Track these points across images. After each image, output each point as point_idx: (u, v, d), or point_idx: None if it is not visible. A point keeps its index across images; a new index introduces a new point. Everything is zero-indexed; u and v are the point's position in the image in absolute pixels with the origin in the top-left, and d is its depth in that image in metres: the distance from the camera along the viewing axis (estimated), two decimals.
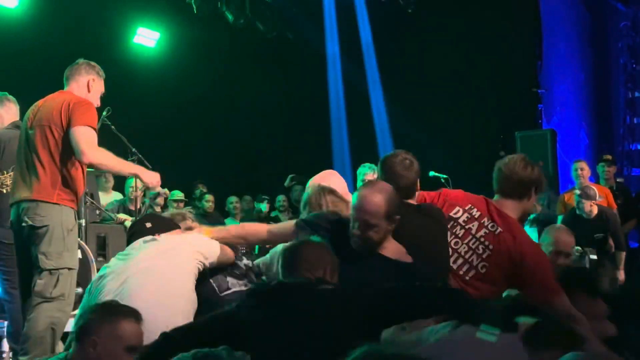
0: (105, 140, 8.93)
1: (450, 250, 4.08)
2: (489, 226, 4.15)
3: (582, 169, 9.92)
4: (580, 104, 13.77)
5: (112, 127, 8.01)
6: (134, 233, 4.43)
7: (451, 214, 4.25)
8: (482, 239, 4.12)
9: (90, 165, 5.06)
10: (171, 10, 12.78)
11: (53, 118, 4.96)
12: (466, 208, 4.26)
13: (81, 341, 3.20)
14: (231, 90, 13.62)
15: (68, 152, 4.92)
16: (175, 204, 10.94)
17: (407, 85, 13.78)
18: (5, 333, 5.89)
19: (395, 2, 13.41)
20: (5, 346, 5.96)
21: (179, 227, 4.54)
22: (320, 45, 14.08)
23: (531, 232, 10.11)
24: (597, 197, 9.00)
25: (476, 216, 4.21)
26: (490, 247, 4.09)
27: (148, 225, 4.40)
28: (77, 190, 5.05)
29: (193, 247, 4.23)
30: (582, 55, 13.93)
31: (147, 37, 12.86)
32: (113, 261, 4.23)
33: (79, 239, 7.89)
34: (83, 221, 8.05)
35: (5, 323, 5.95)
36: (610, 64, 14.09)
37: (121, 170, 5.31)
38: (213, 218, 11.26)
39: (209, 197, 11.33)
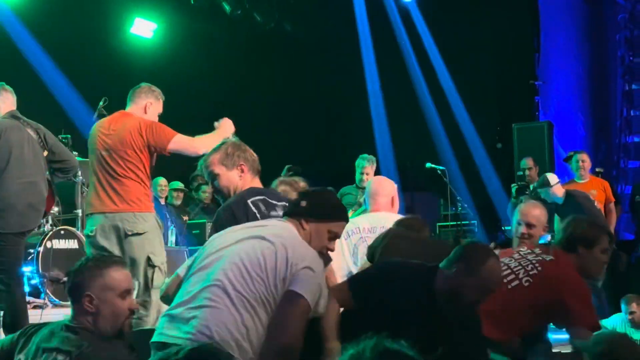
0: None
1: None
2: (542, 254, 4.42)
3: (583, 161, 9.91)
4: (577, 96, 13.78)
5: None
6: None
7: None
8: (534, 261, 4.38)
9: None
10: (168, 1, 12.76)
11: (127, 143, 5.62)
12: None
13: (77, 300, 3.34)
14: (228, 82, 13.60)
15: (142, 168, 5.66)
16: (175, 194, 10.98)
17: (405, 77, 13.78)
18: (1, 323, 5.89)
19: None
20: (2, 336, 5.96)
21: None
22: (319, 36, 14.03)
23: None
24: (555, 181, 9.00)
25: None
26: (539, 268, 4.31)
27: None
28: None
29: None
30: (580, 47, 13.92)
31: (144, 28, 12.83)
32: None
33: (74, 229, 7.95)
34: (80, 211, 8.07)
35: (1, 313, 5.95)
36: (608, 56, 14.09)
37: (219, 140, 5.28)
38: (210, 209, 11.29)
39: (206, 187, 11.34)
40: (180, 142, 5.73)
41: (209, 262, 3.47)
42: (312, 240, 3.55)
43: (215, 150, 4.43)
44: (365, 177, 9.21)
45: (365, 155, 9.40)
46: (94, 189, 5.70)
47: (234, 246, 3.49)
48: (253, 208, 4.06)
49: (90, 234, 5.65)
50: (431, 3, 13.51)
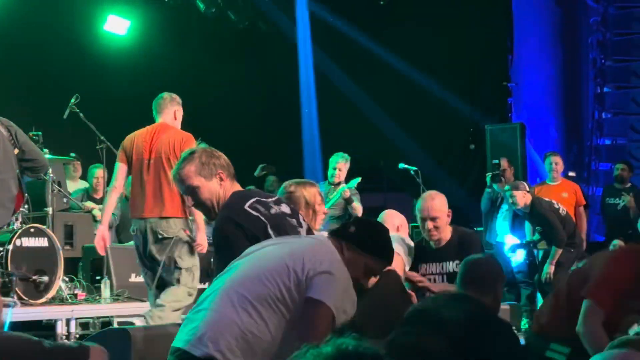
0: (74, 128, 8.92)
1: None
2: None
3: (556, 163, 10.01)
4: (550, 98, 13.85)
5: (81, 114, 7.94)
6: None
7: None
8: None
9: None
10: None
11: (170, 151, 6.16)
12: None
13: None
14: (202, 80, 13.55)
15: None
16: None
17: (379, 77, 13.79)
18: None
19: None
20: None
21: None
22: (292, 35, 14.03)
23: (504, 224, 10.22)
24: (527, 189, 9.12)
25: None
26: None
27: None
28: None
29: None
30: (553, 49, 14.00)
31: (117, 25, 12.72)
32: None
33: (44, 227, 7.87)
34: (50, 209, 7.98)
35: None
36: (580, 59, 14.19)
37: None
38: None
39: None
40: None
41: (228, 268, 3.40)
42: (347, 269, 3.34)
43: (186, 161, 4.02)
44: (337, 172, 9.24)
45: (340, 152, 9.42)
46: (139, 194, 6.18)
47: (254, 253, 3.42)
48: (254, 212, 3.86)
49: (132, 233, 6.31)
50: (407, 3, 13.52)
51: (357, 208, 9.25)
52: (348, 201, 9.18)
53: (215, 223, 3.92)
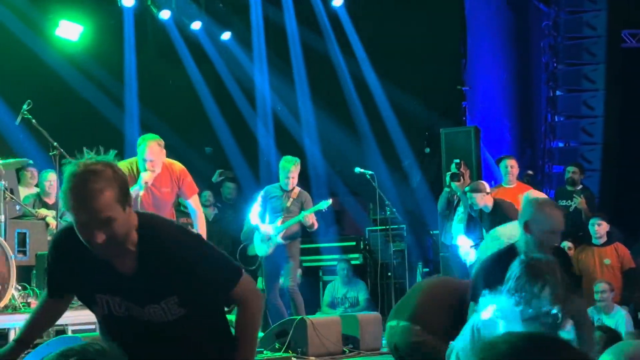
0: (26, 134, 8.81)
1: None
2: None
3: (512, 167, 10.12)
4: (503, 101, 14.01)
5: (33, 120, 7.84)
6: None
7: None
8: None
9: None
10: (96, 3, 12.56)
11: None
12: None
13: None
14: (155, 84, 13.49)
15: None
16: None
17: (331, 80, 13.81)
18: None
19: None
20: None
21: None
22: (247, 39, 13.97)
23: (459, 226, 10.30)
24: (487, 190, 9.24)
25: None
26: None
27: None
28: None
29: None
30: (506, 53, 14.16)
31: (69, 30, 12.54)
32: None
33: None
34: (2, 217, 7.87)
35: None
36: (532, 62, 14.36)
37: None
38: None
39: None
40: None
41: None
42: None
43: (101, 183, 2.85)
44: (291, 180, 9.19)
45: (289, 157, 9.35)
46: None
47: None
48: None
49: None
50: (359, 7, 13.57)
51: (315, 225, 9.29)
52: (311, 227, 9.19)
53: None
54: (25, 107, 7.48)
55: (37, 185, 10.15)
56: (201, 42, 13.75)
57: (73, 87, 12.10)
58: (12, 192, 8.50)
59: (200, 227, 7.41)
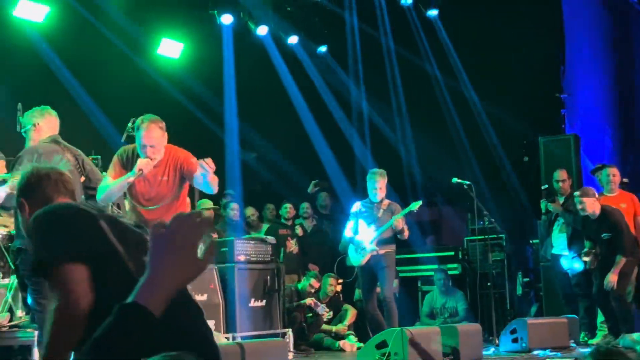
0: None
1: None
2: None
3: (614, 175, 10.03)
4: (604, 108, 13.73)
5: None
6: None
7: None
8: None
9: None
10: (195, 21, 12.88)
11: None
12: None
13: None
14: (253, 99, 13.71)
15: None
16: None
17: (426, 90, 13.79)
18: (36, 342, 5.99)
19: (415, 6, 13.40)
20: (36, 355, 6.06)
21: None
22: (343, 52, 14.08)
23: (561, 237, 10.19)
24: (596, 196, 9.21)
25: None
26: None
27: None
28: None
29: None
30: (606, 59, 13.88)
31: (171, 48, 12.95)
32: None
33: None
34: None
35: (36, 333, 6.05)
36: (634, 67, 14.04)
37: (118, 186, 6.22)
38: (238, 226, 11.38)
39: (233, 204, 11.43)
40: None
41: None
42: None
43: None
44: (379, 192, 9.26)
45: (375, 169, 9.43)
46: None
47: None
48: None
49: None
50: (456, 17, 13.52)
51: (406, 234, 9.32)
52: (400, 232, 9.22)
53: None
54: (129, 124, 7.71)
55: None
56: (298, 56, 13.93)
57: (174, 103, 12.45)
58: (118, 206, 8.79)
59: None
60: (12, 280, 6.91)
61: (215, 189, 6.07)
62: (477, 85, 13.52)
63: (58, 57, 11.29)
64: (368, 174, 9.42)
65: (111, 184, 6.16)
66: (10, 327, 6.71)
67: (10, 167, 6.33)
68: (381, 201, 9.33)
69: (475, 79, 13.56)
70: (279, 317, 9.51)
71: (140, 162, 6.06)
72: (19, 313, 6.81)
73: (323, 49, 14.04)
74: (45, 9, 11.09)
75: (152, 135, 6.12)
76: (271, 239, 9.95)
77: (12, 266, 6.42)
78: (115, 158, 6.31)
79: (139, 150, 6.19)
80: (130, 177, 6.10)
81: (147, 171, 6.10)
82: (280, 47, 13.66)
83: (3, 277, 7.08)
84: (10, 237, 6.94)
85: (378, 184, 9.24)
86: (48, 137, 6.34)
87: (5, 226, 7.36)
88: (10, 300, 6.93)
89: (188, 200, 7.08)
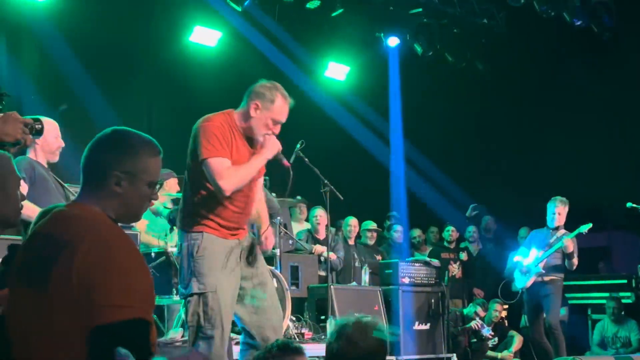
0: (299, 172, 9.25)
1: None
2: None
3: None
4: None
5: (306, 159, 8.20)
6: None
7: None
8: None
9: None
10: (361, 44, 12.98)
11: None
12: None
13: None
14: (422, 123, 13.68)
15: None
16: (369, 234, 11.07)
17: (602, 110, 13.29)
18: None
19: (590, 29, 12.94)
20: None
21: None
22: (506, 74, 13.78)
23: None
24: None
25: None
26: None
27: None
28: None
29: None
30: None
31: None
32: None
33: (273, 268, 8.17)
34: (277, 250, 8.32)
35: None
36: None
37: (256, 169, 4.77)
38: (402, 248, 11.37)
39: (398, 227, 11.42)
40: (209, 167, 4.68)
41: None
42: None
43: None
44: (557, 217, 9.10)
45: (557, 196, 9.30)
46: None
47: None
48: None
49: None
50: (631, 38, 12.94)
51: (575, 262, 9.05)
52: (569, 256, 8.97)
53: None
54: (298, 146, 7.84)
55: (306, 220, 10.65)
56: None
57: (341, 125, 12.61)
58: (285, 226, 8.97)
59: None
60: None
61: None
62: None
63: (229, 80, 11.63)
64: (550, 200, 9.28)
65: (243, 168, 4.69)
66: (183, 342, 6.93)
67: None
68: (557, 228, 9.15)
69: None
70: (443, 341, 9.42)
71: (274, 141, 4.81)
72: None
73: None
74: (218, 34, 11.51)
75: (287, 111, 4.88)
76: (435, 262, 9.88)
77: None
78: (211, 132, 4.66)
79: (256, 126, 4.76)
80: (263, 159, 4.77)
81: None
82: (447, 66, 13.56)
83: (177, 294, 7.31)
84: None
85: (557, 209, 9.13)
86: None
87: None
88: (183, 316, 7.15)
89: None
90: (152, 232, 7.92)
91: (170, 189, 8.19)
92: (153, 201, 2.89)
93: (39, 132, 3.80)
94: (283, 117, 4.83)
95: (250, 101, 4.77)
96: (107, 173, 2.68)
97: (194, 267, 4.65)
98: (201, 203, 4.71)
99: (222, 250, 4.72)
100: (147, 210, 6.34)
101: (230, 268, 4.74)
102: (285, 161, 4.96)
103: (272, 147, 4.76)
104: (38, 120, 3.81)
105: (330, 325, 3.33)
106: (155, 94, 11.32)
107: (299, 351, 3.35)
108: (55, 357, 2.46)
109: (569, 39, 13.15)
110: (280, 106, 4.78)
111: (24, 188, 2.95)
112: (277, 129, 4.84)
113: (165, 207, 7.95)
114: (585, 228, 9.06)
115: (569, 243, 8.89)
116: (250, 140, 4.81)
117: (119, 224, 2.71)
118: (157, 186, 2.86)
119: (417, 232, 11.94)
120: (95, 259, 2.45)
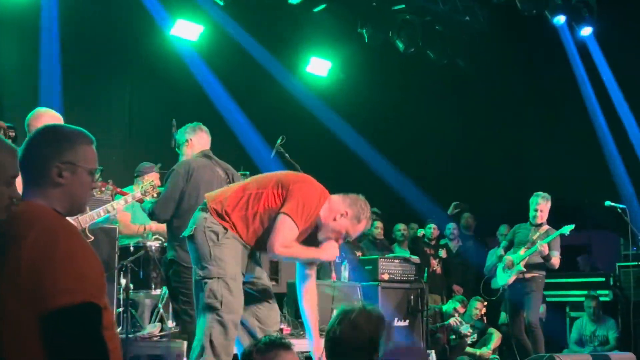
0: (279, 167, 9.22)
1: None
2: None
3: None
4: None
5: (286, 155, 8.19)
6: None
7: None
8: None
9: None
10: (342, 40, 12.97)
11: None
12: None
13: None
14: (403, 119, 13.71)
15: None
16: None
17: (582, 112, 13.34)
18: (185, 352, 6.14)
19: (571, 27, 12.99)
20: None
21: None
22: (490, 73, 13.84)
23: None
24: None
25: None
26: None
27: None
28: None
29: None
30: None
31: (319, 67, 13.12)
32: None
33: None
34: None
35: (185, 343, 6.20)
36: None
37: (306, 260, 5.12)
38: (381, 244, 11.36)
39: (378, 223, 11.41)
40: None
41: None
42: None
43: None
44: (539, 214, 9.12)
45: (540, 192, 9.29)
46: None
47: None
48: None
49: None
50: (610, 37, 13.01)
51: (555, 262, 9.06)
52: (546, 258, 8.99)
53: None
54: (279, 141, 7.82)
55: None
56: (445, 76, 13.84)
57: (322, 120, 12.59)
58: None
59: None
60: (164, 290, 7.10)
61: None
62: (632, 106, 12.98)
63: (210, 74, 11.63)
64: (532, 196, 9.28)
65: (301, 251, 4.97)
66: (161, 337, 6.89)
67: (164, 180, 6.52)
68: (540, 225, 9.16)
69: (630, 100, 13.02)
70: (422, 337, 9.40)
71: (334, 250, 5.04)
72: (170, 323, 6.98)
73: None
74: (200, 28, 11.46)
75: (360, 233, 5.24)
76: (415, 258, 9.87)
77: (165, 277, 6.60)
78: (308, 201, 4.95)
79: (332, 228, 5.01)
80: (317, 257, 5.12)
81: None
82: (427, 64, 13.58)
83: (155, 288, 7.28)
84: (162, 249, 7.14)
85: (539, 206, 9.15)
86: (200, 152, 6.53)
87: (159, 238, 7.58)
88: (161, 310, 7.12)
89: None
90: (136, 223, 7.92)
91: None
92: (94, 190, 3.00)
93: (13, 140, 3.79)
94: (354, 236, 5.19)
95: (345, 205, 5.02)
96: (48, 166, 2.75)
97: (214, 252, 4.85)
98: (244, 218, 4.92)
99: (240, 248, 4.94)
100: (131, 204, 6.37)
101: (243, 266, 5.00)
102: None
103: (329, 254, 5.02)
104: (12, 128, 3.82)
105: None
106: (136, 86, 11.31)
107: (285, 346, 3.33)
108: (10, 346, 2.52)
109: (550, 37, 13.22)
110: (360, 229, 5.08)
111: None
112: (341, 242, 5.10)
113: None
114: (567, 229, 9.05)
115: (544, 248, 8.91)
116: (317, 226, 5.03)
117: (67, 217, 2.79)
118: (97, 174, 2.98)
119: (401, 227, 11.92)
120: (42, 247, 2.53)
